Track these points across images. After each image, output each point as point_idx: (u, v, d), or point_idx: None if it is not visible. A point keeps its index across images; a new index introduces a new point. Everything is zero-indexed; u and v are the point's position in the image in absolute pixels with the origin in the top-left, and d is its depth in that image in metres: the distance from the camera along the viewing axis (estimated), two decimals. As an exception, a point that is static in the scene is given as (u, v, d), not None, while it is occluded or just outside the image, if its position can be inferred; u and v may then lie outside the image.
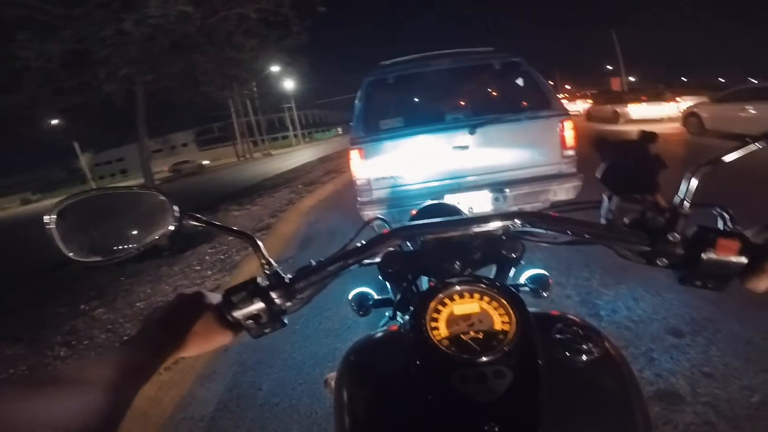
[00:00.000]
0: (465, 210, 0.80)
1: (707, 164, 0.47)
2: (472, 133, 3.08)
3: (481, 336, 0.45)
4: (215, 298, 0.52)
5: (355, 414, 0.49)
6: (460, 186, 3.15)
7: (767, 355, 1.73)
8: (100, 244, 0.52)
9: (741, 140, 0.46)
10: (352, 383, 0.52)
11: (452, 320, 0.47)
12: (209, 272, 3.71)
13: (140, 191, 0.56)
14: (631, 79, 31.27)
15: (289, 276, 0.54)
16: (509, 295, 0.49)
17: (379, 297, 0.87)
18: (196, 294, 0.51)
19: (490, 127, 3.10)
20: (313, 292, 0.56)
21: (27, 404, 0.28)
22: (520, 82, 3.56)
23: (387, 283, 0.74)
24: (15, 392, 0.29)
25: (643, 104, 13.44)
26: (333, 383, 0.85)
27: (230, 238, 4.67)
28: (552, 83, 3.56)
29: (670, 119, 12.18)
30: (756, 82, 9.91)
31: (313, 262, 0.55)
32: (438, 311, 0.49)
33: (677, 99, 12.97)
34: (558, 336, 0.47)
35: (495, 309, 0.48)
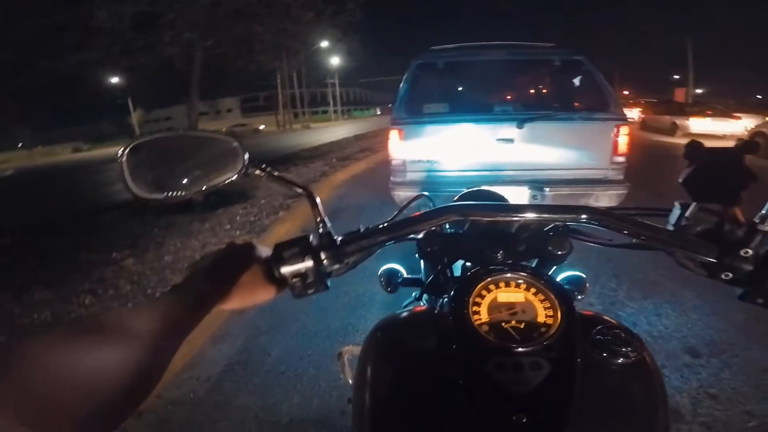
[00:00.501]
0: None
1: None
2: (520, 127, 3.01)
3: (522, 326, 0.45)
4: (265, 251, 0.51)
5: (377, 389, 0.49)
6: (498, 179, 3.09)
7: (780, 384, 1.68)
8: (165, 182, 0.54)
9: None
10: (377, 359, 0.52)
11: (494, 307, 0.48)
12: (238, 232, 3.84)
13: (214, 136, 0.57)
14: (698, 91, 29.05)
15: (340, 238, 0.53)
16: (558, 289, 0.49)
17: (409, 276, 0.87)
18: (247, 245, 0.50)
19: (541, 123, 3.02)
20: (360, 258, 0.56)
21: (72, 352, 0.28)
22: (578, 81, 3.45)
23: (420, 263, 0.73)
24: (61, 339, 0.28)
25: (707, 119, 12.59)
26: (346, 358, 0.88)
27: (276, 197, 4.73)
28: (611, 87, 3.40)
29: (734, 137, 11.34)
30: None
31: (362, 229, 0.55)
32: (481, 296, 0.49)
33: (737, 116, 12.10)
34: (599, 337, 0.47)
35: (541, 301, 0.48)
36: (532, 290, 0.49)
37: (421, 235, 0.63)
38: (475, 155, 3.14)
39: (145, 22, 7.60)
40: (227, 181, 0.54)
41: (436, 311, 0.55)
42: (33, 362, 0.25)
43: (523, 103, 3.55)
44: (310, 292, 0.51)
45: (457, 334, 0.46)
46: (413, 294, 0.82)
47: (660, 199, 0.53)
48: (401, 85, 3.36)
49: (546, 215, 0.50)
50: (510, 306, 0.47)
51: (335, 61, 33.12)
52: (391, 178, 3.29)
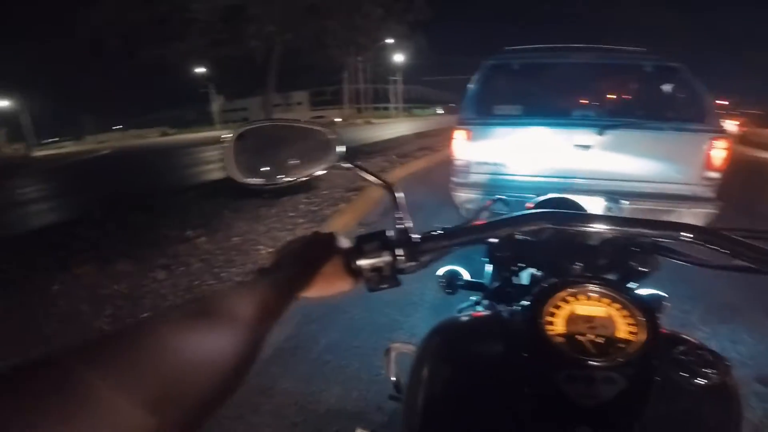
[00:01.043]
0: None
1: None
2: (600, 133, 2.82)
3: (601, 341, 0.43)
4: (345, 242, 0.52)
5: (433, 390, 0.49)
6: (570, 187, 2.90)
7: None
8: (263, 169, 0.57)
9: None
10: (436, 361, 0.52)
11: (572, 319, 0.45)
12: (301, 220, 4.02)
13: (312, 127, 0.59)
14: (818, 103, 25.05)
15: (418, 236, 0.53)
16: (643, 306, 0.46)
17: (471, 280, 0.85)
18: (330, 235, 0.52)
19: (624, 130, 2.81)
20: (434, 257, 0.55)
21: (192, 334, 0.28)
22: (672, 89, 3.15)
23: (486, 268, 0.71)
24: (182, 321, 0.29)
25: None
26: (393, 355, 0.89)
27: (338, 190, 4.92)
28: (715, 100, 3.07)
29: None
30: None
31: (440, 229, 0.54)
32: (558, 307, 0.47)
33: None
34: (682, 357, 0.44)
35: (623, 317, 0.45)
36: (615, 305, 0.46)
37: (494, 240, 0.61)
38: (547, 161, 2.99)
39: (233, 15, 8.19)
40: (320, 172, 0.56)
41: (504, 318, 0.53)
42: (159, 345, 0.25)
43: (606, 109, 3.33)
44: (384, 286, 0.52)
45: (529, 342, 0.45)
46: (471, 298, 0.81)
47: (756, 220, 0.46)
48: (471, 85, 3.26)
49: (644, 230, 0.48)
50: (589, 319, 0.45)
51: (399, 58, 33.28)
52: (453, 179, 3.22)
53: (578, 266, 0.57)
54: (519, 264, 0.65)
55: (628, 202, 2.77)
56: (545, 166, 3.00)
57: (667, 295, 0.72)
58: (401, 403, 0.54)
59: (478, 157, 3.10)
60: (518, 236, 0.67)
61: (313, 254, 0.48)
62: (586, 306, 0.47)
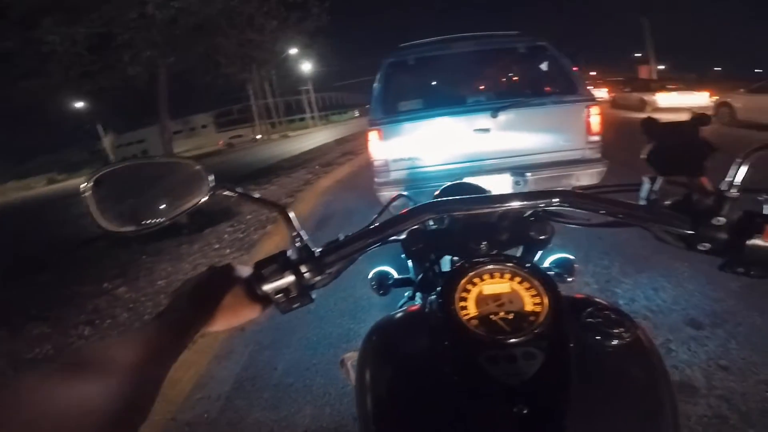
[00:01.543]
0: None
1: (758, 149, 0.45)
2: (494, 116, 3.06)
3: (511, 317, 0.44)
4: (245, 270, 0.51)
5: (378, 393, 0.49)
6: (480, 169, 3.14)
7: (789, 351, 1.69)
8: (134, 213, 0.53)
9: None
10: (375, 363, 0.52)
11: (481, 300, 0.47)
12: (228, 251, 3.80)
13: (175, 161, 0.56)
14: (661, 67, 29.89)
15: (319, 250, 0.53)
16: (541, 276, 0.48)
17: (399, 276, 0.87)
18: (227, 266, 0.51)
19: (514, 110, 3.07)
20: (342, 267, 0.55)
21: (50, 388, 0.27)
22: (545, 66, 3.50)
23: (408, 263, 0.73)
24: (37, 375, 0.28)
25: (673, 93, 12.99)
26: (349, 364, 0.87)
27: (262, 211, 4.73)
28: (577, 69, 3.47)
29: (701, 109, 11.73)
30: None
31: (342, 237, 0.54)
32: (467, 290, 0.48)
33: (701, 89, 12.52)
34: (589, 320, 0.46)
35: (526, 290, 0.47)
36: (517, 279, 0.48)
37: (403, 236, 0.62)
38: (455, 148, 3.17)
39: (101, 43, 7.38)
40: (196, 205, 0.53)
41: (426, 309, 0.54)
42: (20, 399, 0.25)
43: (496, 92, 3.58)
44: (295, 306, 0.51)
45: (447, 330, 0.45)
46: (406, 294, 0.81)
47: (640, 174, 0.55)
48: (375, 85, 3.37)
49: (519, 203, 0.50)
50: (496, 297, 0.47)
51: (307, 67, 32.94)
52: (375, 179, 3.29)
53: (484, 246, 0.58)
54: (435, 253, 0.66)
55: (530, 174, 3.05)
56: (454, 153, 3.19)
57: (574, 257, 0.76)
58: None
59: (394, 154, 3.20)
60: (427, 227, 0.68)
61: (211, 289, 0.47)
62: (492, 285, 0.48)
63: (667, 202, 0.51)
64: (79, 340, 2.48)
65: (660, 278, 2.39)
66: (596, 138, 3.09)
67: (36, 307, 3.07)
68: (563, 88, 3.20)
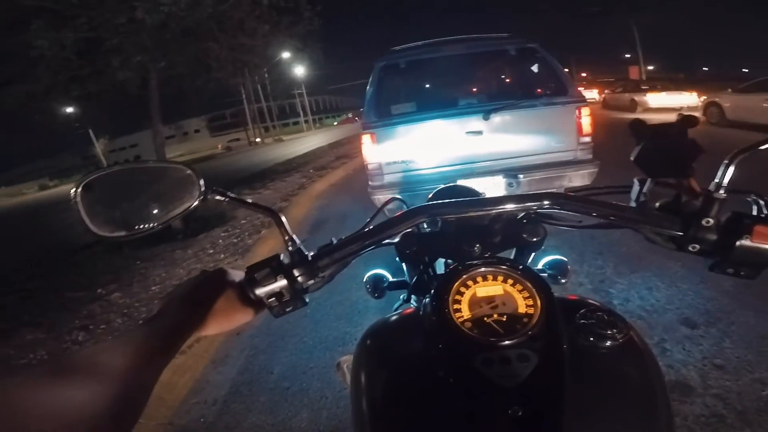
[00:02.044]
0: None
1: (745, 151, 0.46)
2: (486, 118, 3.06)
3: (504, 319, 0.45)
4: (238, 275, 0.51)
5: (373, 396, 0.49)
6: (473, 171, 3.14)
7: (782, 349, 1.71)
8: (125, 218, 0.52)
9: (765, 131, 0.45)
10: (370, 366, 0.51)
11: (475, 302, 0.47)
12: (222, 255, 3.78)
13: (167, 165, 0.56)
14: (650, 67, 30.39)
15: (312, 253, 0.53)
16: (534, 278, 0.48)
17: (394, 279, 0.87)
18: (219, 271, 0.51)
19: (505, 112, 3.08)
20: (335, 270, 0.55)
21: (41, 393, 0.27)
22: (535, 68, 3.52)
23: (403, 266, 0.73)
24: (28, 380, 0.27)
25: (663, 93, 13.20)
26: (345, 367, 0.87)
27: (257, 216, 4.74)
28: (567, 70, 3.49)
29: (690, 109, 11.90)
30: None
31: (335, 240, 0.54)
32: (460, 293, 0.48)
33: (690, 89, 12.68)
34: (582, 321, 0.46)
35: (519, 292, 0.47)
36: (510, 281, 0.48)
37: (397, 239, 0.62)
38: (448, 150, 3.17)
39: (90, 48, 7.31)
40: (188, 209, 0.53)
41: (421, 312, 0.53)
42: (9, 404, 0.25)
43: (487, 95, 3.60)
44: (288, 310, 0.51)
45: (441, 332, 0.45)
46: (401, 297, 0.81)
47: (632, 174, 0.55)
48: (368, 88, 3.37)
49: (511, 206, 0.51)
50: (490, 300, 0.47)
51: (300, 71, 32.92)
52: (369, 183, 3.29)
53: (477, 248, 0.58)
54: (428, 256, 0.66)
55: (523, 176, 3.07)
56: (447, 155, 3.19)
57: (567, 259, 0.76)
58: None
59: (388, 157, 3.20)
60: (420, 230, 0.68)
61: (203, 293, 0.47)
62: (485, 287, 0.48)
63: (657, 204, 0.51)
64: (73, 346, 2.47)
65: (654, 278, 2.41)
66: (587, 139, 3.11)
67: (29, 312, 3.06)
68: (554, 90, 3.22)
